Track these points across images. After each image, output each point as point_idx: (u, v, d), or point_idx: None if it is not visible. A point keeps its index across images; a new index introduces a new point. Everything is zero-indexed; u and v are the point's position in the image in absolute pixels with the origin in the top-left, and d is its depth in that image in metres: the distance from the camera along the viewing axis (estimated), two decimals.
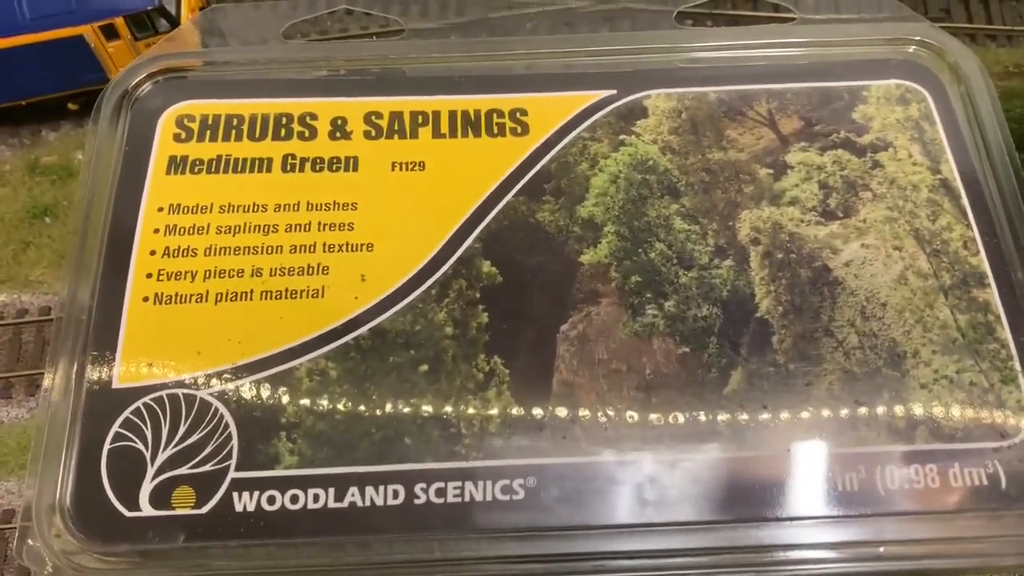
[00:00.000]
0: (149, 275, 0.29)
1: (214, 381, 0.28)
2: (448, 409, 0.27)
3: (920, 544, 0.25)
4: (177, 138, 0.33)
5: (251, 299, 0.29)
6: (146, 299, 0.29)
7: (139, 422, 0.27)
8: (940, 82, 0.31)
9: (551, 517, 0.25)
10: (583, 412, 0.27)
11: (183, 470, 0.26)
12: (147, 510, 0.26)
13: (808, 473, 0.26)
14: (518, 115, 0.32)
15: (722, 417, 0.27)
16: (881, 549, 0.25)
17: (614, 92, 0.33)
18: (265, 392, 0.27)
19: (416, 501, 0.26)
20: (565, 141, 0.32)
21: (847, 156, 0.31)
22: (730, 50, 0.34)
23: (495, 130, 0.32)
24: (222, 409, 0.27)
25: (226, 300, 0.29)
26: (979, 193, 0.29)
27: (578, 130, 0.32)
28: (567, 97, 0.32)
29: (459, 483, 0.25)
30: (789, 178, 0.31)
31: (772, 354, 0.28)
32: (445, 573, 0.25)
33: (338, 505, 0.26)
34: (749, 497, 0.26)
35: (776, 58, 0.34)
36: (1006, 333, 0.27)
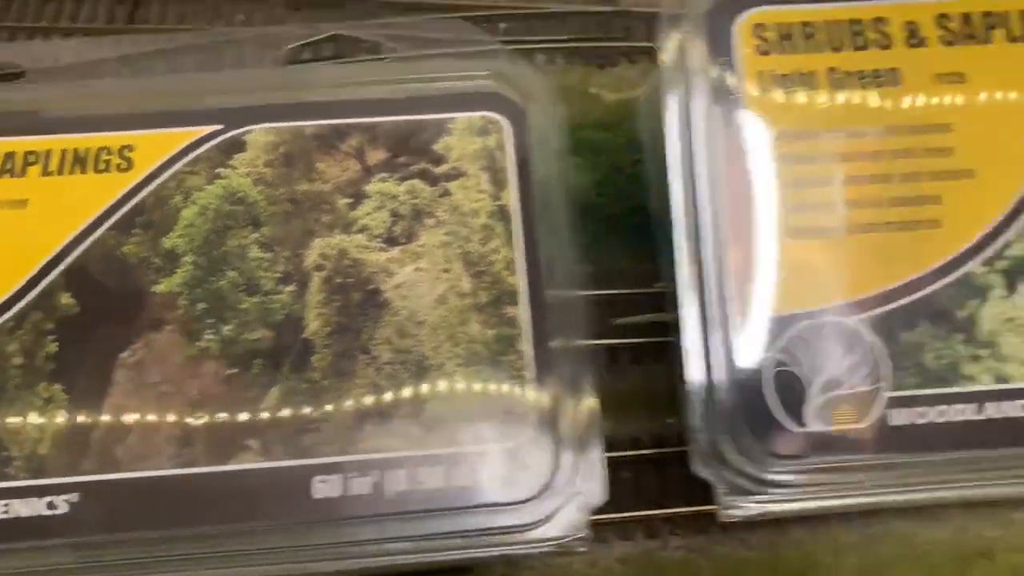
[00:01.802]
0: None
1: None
2: (4, 435, 0.30)
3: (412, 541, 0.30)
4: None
5: None
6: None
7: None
8: (519, 111, 0.33)
9: (92, 529, 0.29)
10: (128, 433, 0.30)
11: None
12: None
13: (325, 480, 0.30)
14: (125, 152, 0.33)
15: (254, 432, 0.31)
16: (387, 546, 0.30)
17: (220, 127, 0.34)
18: None
19: None
20: (165, 176, 0.33)
21: (421, 186, 0.33)
22: (330, 86, 0.35)
23: (101, 166, 0.33)
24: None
25: None
26: (529, 218, 0.31)
27: (179, 165, 0.33)
28: (174, 133, 0.33)
29: (6, 501, 0.29)
30: (364, 207, 0.33)
31: (310, 372, 0.31)
32: None
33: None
34: (273, 504, 0.30)
35: (372, 93, 0.35)
36: (526, 345, 0.30)
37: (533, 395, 0.31)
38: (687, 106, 0.32)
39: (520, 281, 0.32)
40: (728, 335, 0.31)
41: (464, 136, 0.34)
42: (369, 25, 0.39)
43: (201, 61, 0.38)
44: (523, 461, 0.30)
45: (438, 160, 0.34)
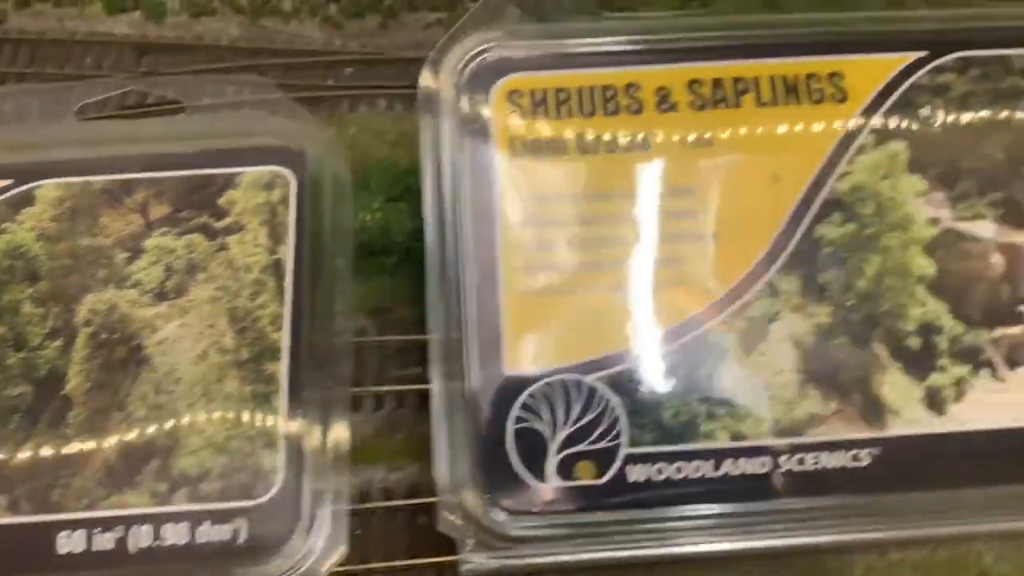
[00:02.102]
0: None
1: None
2: None
3: None
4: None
5: None
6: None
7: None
8: (305, 165, 0.34)
9: None
10: None
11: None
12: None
13: (70, 536, 0.30)
14: None
15: (3, 487, 0.31)
16: None
17: (10, 182, 0.35)
18: None
19: None
20: None
21: (200, 240, 0.34)
22: (122, 141, 0.36)
23: None
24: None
25: None
26: (304, 271, 0.32)
27: None
28: None
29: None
30: (140, 262, 0.34)
31: (64, 428, 0.32)
32: None
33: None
34: (16, 560, 0.30)
35: (164, 148, 0.36)
36: (281, 402, 0.31)
37: (283, 452, 0.32)
38: (439, 169, 0.33)
39: (284, 337, 0.33)
40: (472, 390, 0.32)
41: (249, 190, 0.35)
42: (165, 82, 0.40)
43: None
44: (268, 516, 0.31)
45: (220, 214, 0.35)
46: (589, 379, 0.32)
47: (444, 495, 0.31)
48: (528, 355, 0.32)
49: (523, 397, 0.32)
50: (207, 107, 0.38)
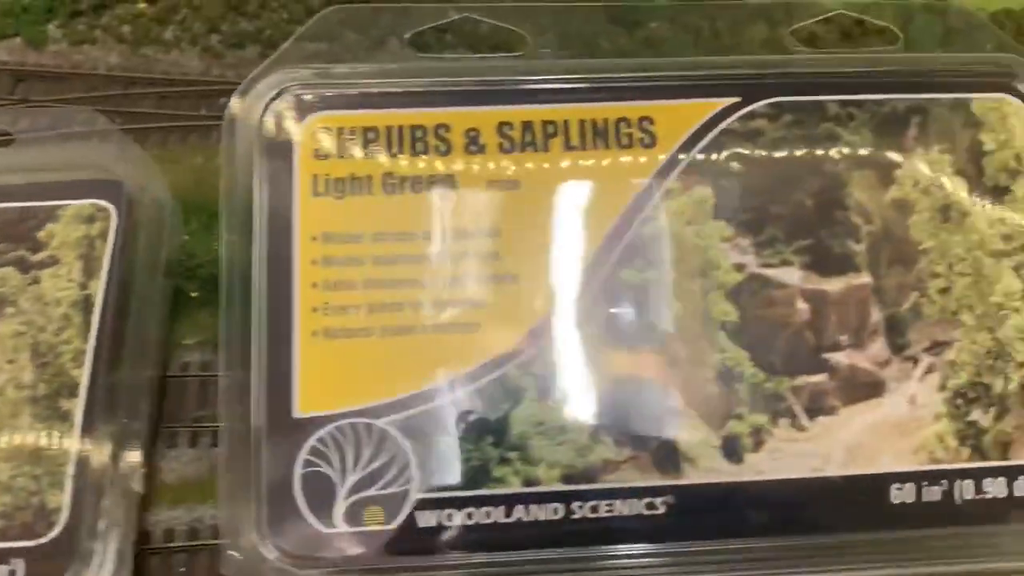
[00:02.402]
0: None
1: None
2: None
3: None
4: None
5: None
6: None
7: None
8: (128, 200, 0.34)
9: None
10: None
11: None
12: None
13: None
14: None
15: None
16: None
17: None
18: None
19: None
20: None
21: (13, 273, 0.34)
22: None
23: None
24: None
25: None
26: (113, 307, 0.32)
27: None
28: None
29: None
30: None
31: None
32: None
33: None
34: None
35: None
36: (72, 439, 0.30)
37: (69, 491, 0.31)
38: (237, 203, 0.33)
39: (84, 373, 0.33)
40: (260, 432, 0.32)
41: (70, 223, 0.35)
42: None
43: None
44: (48, 555, 0.31)
45: (37, 248, 0.35)
46: (380, 422, 0.32)
47: (228, 539, 0.31)
48: (319, 397, 0.32)
49: (312, 440, 0.32)
50: (36, 139, 0.38)
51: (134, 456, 0.33)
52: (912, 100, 0.36)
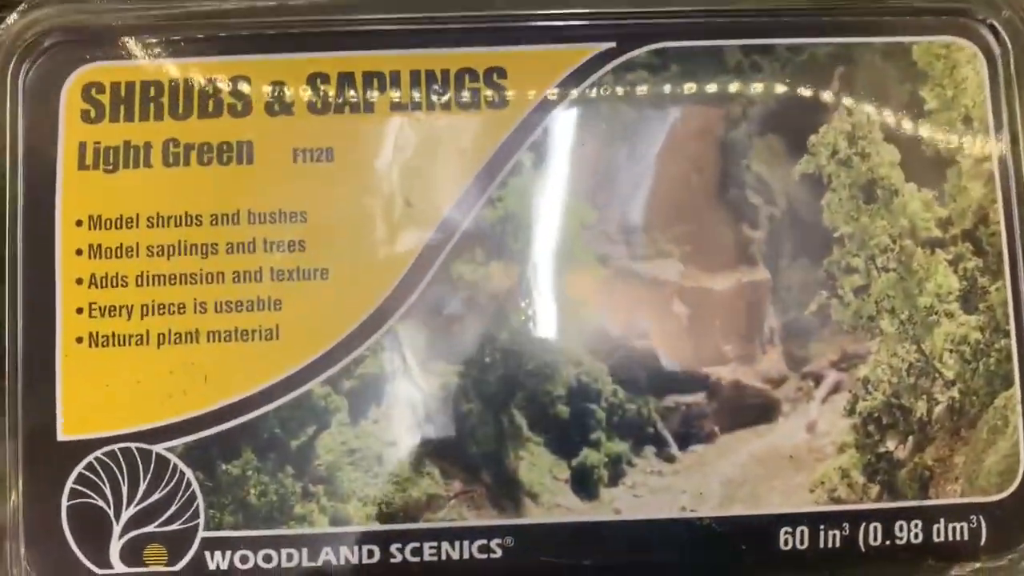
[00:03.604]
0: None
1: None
2: None
3: None
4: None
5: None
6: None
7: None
8: None
9: None
10: None
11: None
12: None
13: None
14: None
15: None
16: None
17: None
18: None
19: None
20: None
21: None
22: None
23: None
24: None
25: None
26: None
27: None
28: None
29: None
30: None
31: None
32: None
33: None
34: None
35: None
36: None
37: None
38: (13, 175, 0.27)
39: None
40: (22, 455, 0.26)
41: None
42: None
43: None
44: None
45: None
46: (159, 448, 0.27)
47: None
48: (87, 416, 0.27)
49: (80, 467, 0.27)
50: None
51: None
52: (834, 45, 0.28)
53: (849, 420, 0.27)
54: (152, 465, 0.27)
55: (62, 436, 0.27)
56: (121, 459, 0.27)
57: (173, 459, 0.27)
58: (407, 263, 0.27)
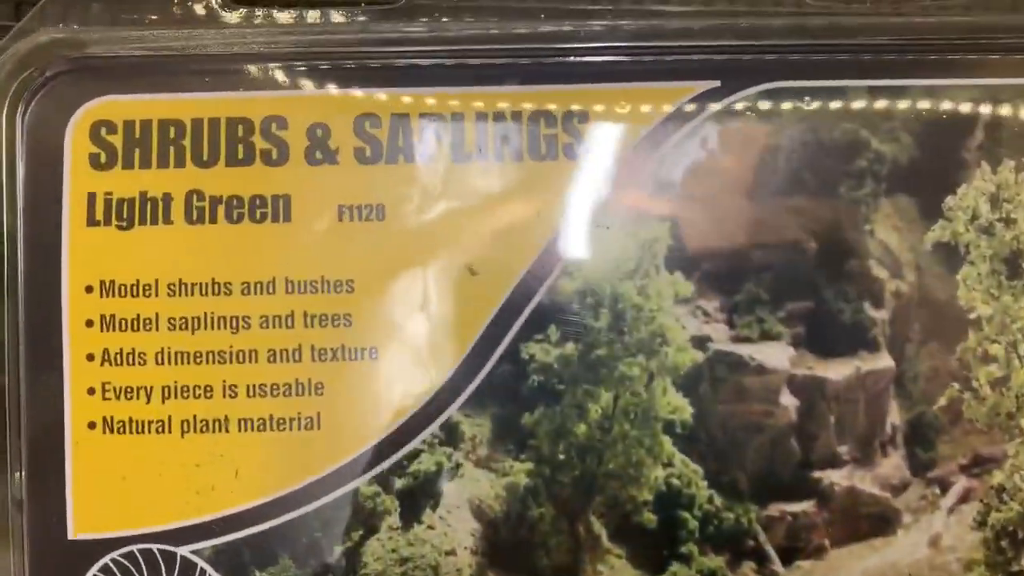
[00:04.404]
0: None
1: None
2: None
3: None
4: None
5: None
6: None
7: None
8: None
9: None
10: None
11: None
12: None
13: None
14: None
15: None
16: None
17: None
18: None
19: None
20: None
21: None
22: None
23: None
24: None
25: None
26: None
27: None
28: None
29: None
30: None
31: None
32: None
33: None
34: None
35: None
36: None
37: None
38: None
39: None
40: (29, 557, 0.23)
41: None
42: None
43: None
44: None
45: None
46: (185, 550, 0.23)
47: None
48: (102, 514, 0.24)
49: (95, 569, 0.23)
50: None
51: None
52: (979, 87, 0.24)
53: (979, 534, 0.24)
54: (176, 570, 0.23)
55: (74, 535, 0.23)
56: (141, 562, 0.23)
57: (200, 563, 0.23)
58: (469, 342, 0.23)
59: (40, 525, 0.24)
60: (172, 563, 0.24)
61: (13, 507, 0.24)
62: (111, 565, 0.24)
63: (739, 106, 0.24)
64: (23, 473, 0.24)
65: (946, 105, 0.24)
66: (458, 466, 0.24)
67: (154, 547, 0.24)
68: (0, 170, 0.24)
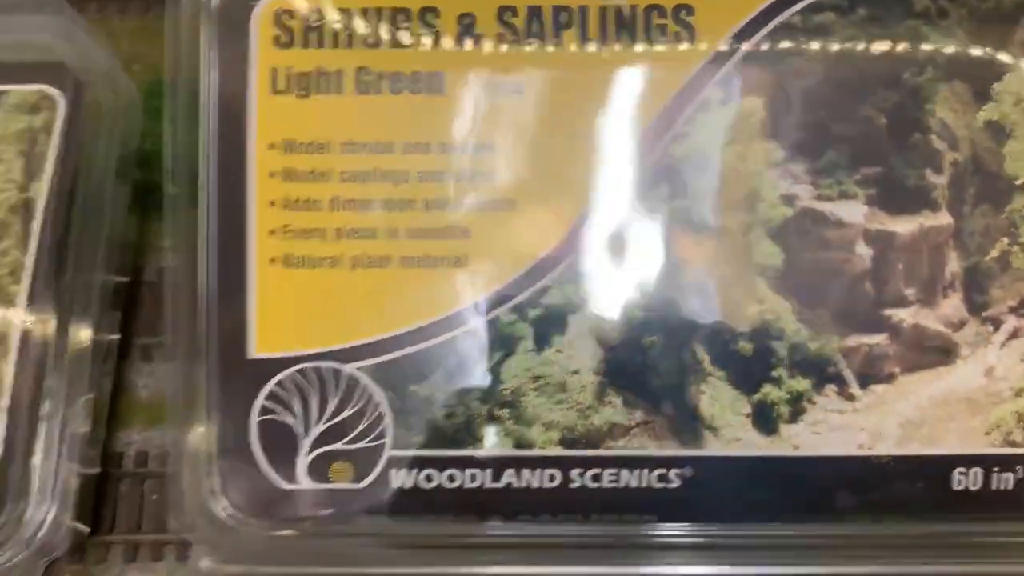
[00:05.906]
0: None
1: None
2: None
3: None
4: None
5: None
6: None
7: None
8: (80, 87, 0.29)
9: None
10: None
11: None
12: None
13: None
14: None
15: None
16: None
17: None
18: None
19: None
20: None
21: None
22: None
23: None
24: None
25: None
26: (59, 213, 0.29)
27: None
28: None
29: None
30: None
31: None
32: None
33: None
34: None
35: None
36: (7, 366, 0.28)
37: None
38: (184, 97, 0.28)
39: (22, 290, 0.29)
40: (209, 373, 0.27)
41: (10, 113, 0.31)
42: None
43: None
44: None
45: None
46: (350, 368, 0.27)
47: (180, 494, 0.27)
48: (279, 335, 0.28)
49: (271, 385, 0.28)
50: None
51: (83, 377, 0.29)
52: None
53: None
54: (343, 384, 0.27)
55: (254, 354, 0.27)
56: (312, 377, 0.27)
57: (364, 379, 0.27)
58: (592, 198, 0.27)
59: (225, 346, 0.28)
60: (339, 379, 0.28)
61: (203, 331, 0.28)
62: (285, 380, 0.28)
63: (822, 4, 0.28)
64: (213, 302, 0.28)
65: (993, 6, 0.28)
66: (581, 301, 0.28)
67: (323, 365, 0.28)
68: (196, 48, 0.28)
